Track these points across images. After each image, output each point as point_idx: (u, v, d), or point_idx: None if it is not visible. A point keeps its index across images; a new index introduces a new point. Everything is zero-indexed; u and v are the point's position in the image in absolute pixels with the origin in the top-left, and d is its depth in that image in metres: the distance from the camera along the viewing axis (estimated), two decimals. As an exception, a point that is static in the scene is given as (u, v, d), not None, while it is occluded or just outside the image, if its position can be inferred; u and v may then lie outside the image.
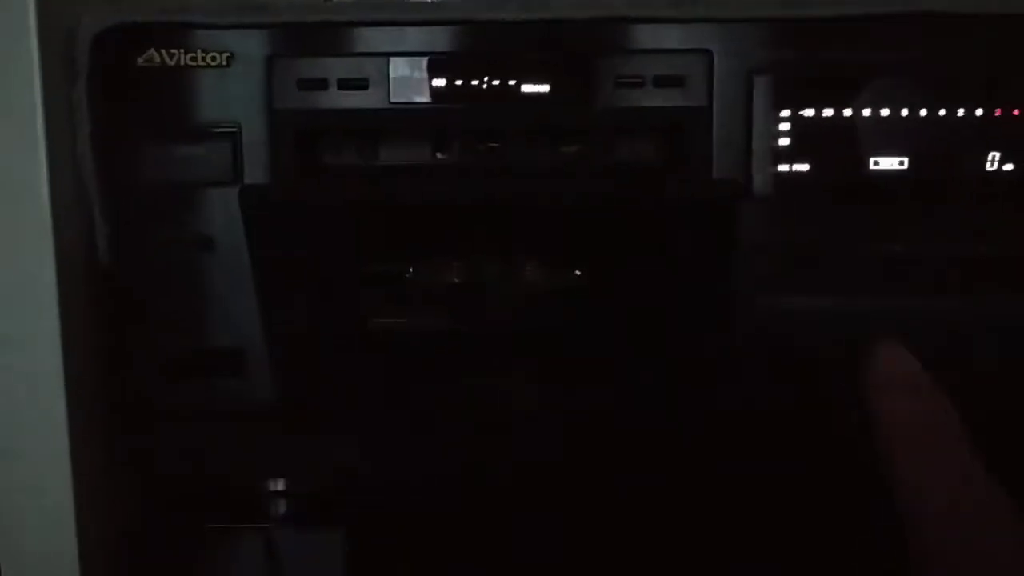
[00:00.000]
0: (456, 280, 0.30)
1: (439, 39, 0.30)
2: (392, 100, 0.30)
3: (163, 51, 0.30)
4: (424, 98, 0.30)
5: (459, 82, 0.31)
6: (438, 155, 0.31)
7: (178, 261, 0.31)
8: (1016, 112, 0.31)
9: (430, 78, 0.30)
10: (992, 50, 0.31)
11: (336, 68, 0.30)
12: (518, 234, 0.31)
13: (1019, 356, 0.31)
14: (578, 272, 0.31)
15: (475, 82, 0.31)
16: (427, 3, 0.30)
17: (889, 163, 0.31)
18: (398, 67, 0.30)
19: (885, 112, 0.31)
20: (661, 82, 0.30)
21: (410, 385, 0.31)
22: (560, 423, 0.31)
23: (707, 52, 0.30)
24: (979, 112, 0.31)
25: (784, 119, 0.31)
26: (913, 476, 0.26)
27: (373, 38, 0.30)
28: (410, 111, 0.30)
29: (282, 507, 0.36)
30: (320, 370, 0.31)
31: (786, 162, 0.31)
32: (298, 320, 0.31)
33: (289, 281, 0.31)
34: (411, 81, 0.30)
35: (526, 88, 0.31)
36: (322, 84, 0.30)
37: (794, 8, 0.30)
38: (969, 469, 0.25)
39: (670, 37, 0.30)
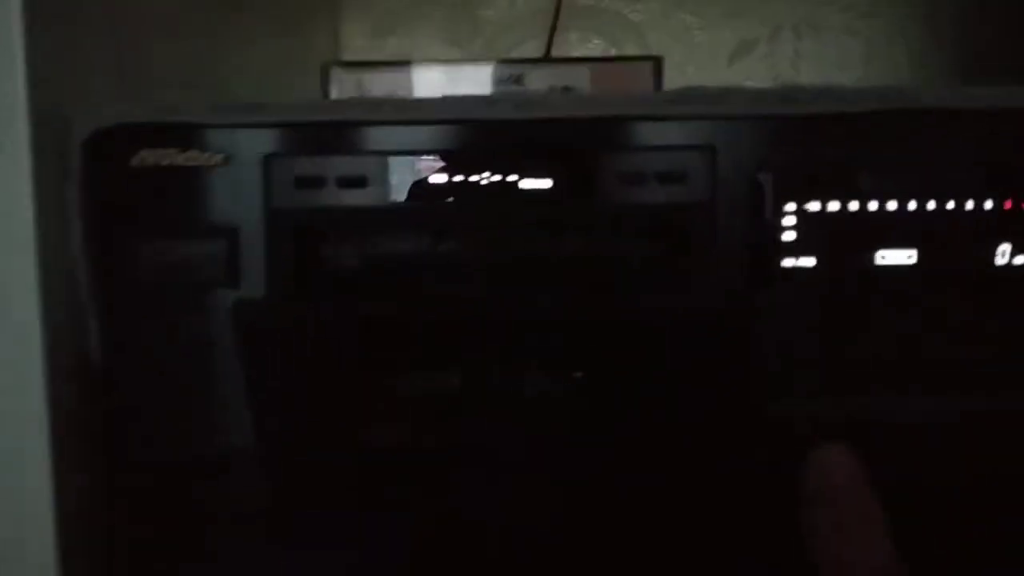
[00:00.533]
0: (454, 389, 0.29)
1: (439, 137, 0.30)
2: (391, 198, 0.30)
3: (158, 151, 0.29)
4: (424, 196, 0.30)
5: (458, 179, 0.30)
6: (439, 249, 0.31)
7: (171, 363, 0.30)
8: (1025, 204, 0.31)
9: (429, 176, 0.30)
10: (997, 143, 0.30)
11: (334, 166, 0.30)
12: (519, 339, 0.30)
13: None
14: (580, 375, 0.30)
15: (474, 179, 0.30)
16: (424, 101, 0.30)
17: (896, 257, 0.31)
18: (397, 165, 0.30)
19: (892, 206, 0.31)
20: (664, 179, 0.30)
21: (405, 498, 0.30)
22: (561, 534, 0.31)
23: (709, 148, 0.30)
24: (989, 205, 0.31)
25: (789, 214, 0.30)
26: None
27: (372, 136, 0.30)
28: (410, 209, 0.30)
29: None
30: (311, 482, 0.30)
31: (791, 257, 0.31)
32: (290, 430, 0.30)
33: (283, 391, 0.30)
34: (410, 179, 0.30)
35: (525, 185, 0.30)
36: (320, 182, 0.30)
37: (793, 105, 0.29)
38: None
39: (672, 134, 0.30)
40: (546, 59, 0.36)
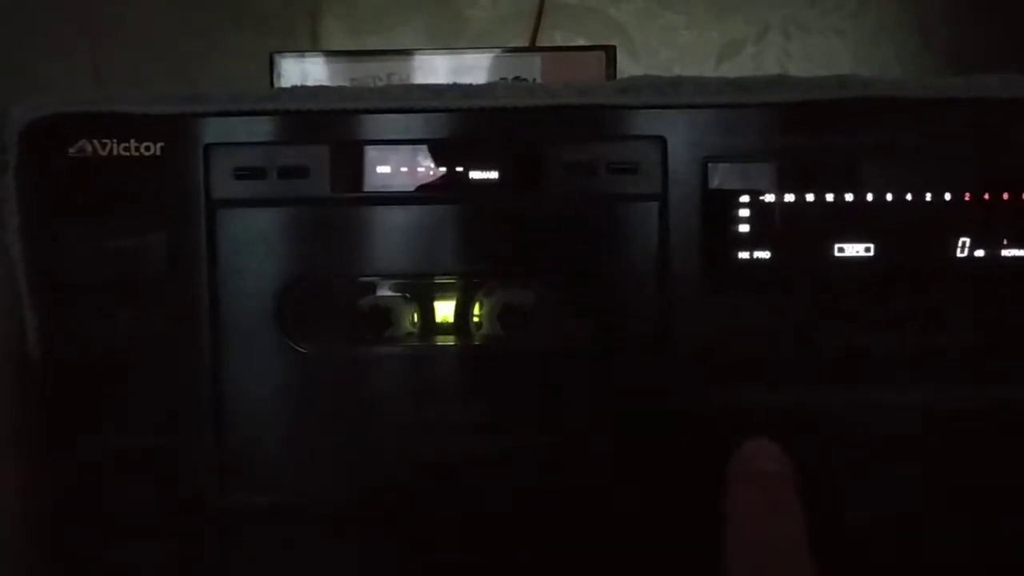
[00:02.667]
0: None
1: (382, 126, 0.29)
2: (332, 189, 0.29)
3: (95, 141, 0.29)
4: (367, 186, 0.29)
5: (404, 169, 0.30)
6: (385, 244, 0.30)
7: (109, 355, 0.29)
8: (987, 196, 0.30)
9: (373, 165, 0.29)
10: (956, 134, 0.30)
11: (275, 156, 0.29)
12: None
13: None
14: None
15: (420, 169, 0.30)
16: (367, 90, 0.29)
17: (854, 249, 0.30)
18: (339, 154, 0.29)
19: (849, 197, 0.30)
20: (614, 169, 0.29)
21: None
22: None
23: (660, 138, 0.29)
24: (948, 197, 0.30)
25: (742, 205, 0.30)
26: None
27: (313, 126, 0.29)
28: (352, 199, 0.29)
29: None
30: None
31: (745, 250, 0.30)
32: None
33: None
34: (353, 169, 0.29)
35: (475, 175, 0.30)
36: (261, 173, 0.29)
37: (745, 94, 0.29)
38: None
39: (623, 124, 0.29)
40: (493, 48, 0.36)
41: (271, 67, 0.34)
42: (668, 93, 0.29)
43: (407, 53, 0.35)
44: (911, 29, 0.81)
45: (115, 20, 0.41)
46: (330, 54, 0.35)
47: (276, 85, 0.38)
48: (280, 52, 0.34)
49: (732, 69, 0.80)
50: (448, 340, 0.31)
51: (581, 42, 0.80)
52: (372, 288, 0.31)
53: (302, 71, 0.36)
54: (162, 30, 0.46)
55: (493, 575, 0.31)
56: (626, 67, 0.81)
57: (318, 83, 0.35)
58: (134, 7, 0.46)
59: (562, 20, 0.79)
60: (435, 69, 0.36)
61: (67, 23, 0.36)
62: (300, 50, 0.35)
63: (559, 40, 0.80)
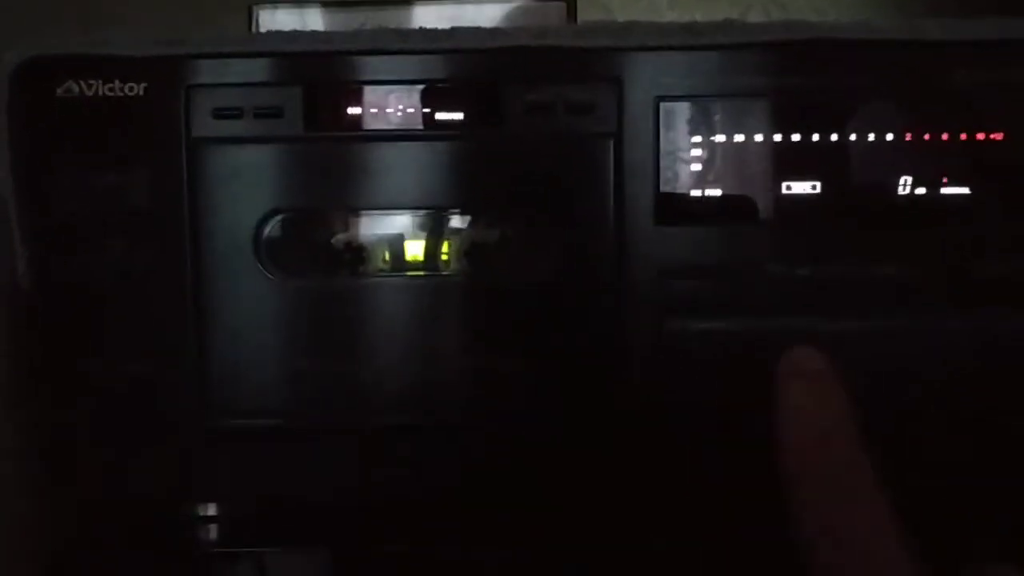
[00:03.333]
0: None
1: (352, 68, 0.31)
2: (305, 128, 0.31)
3: (81, 82, 0.30)
4: (338, 126, 0.31)
5: (373, 110, 0.31)
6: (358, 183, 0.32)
7: (98, 286, 0.31)
8: (927, 137, 0.32)
9: (344, 106, 0.31)
10: (899, 76, 0.31)
11: (251, 97, 0.31)
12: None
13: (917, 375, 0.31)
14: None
15: (389, 110, 0.31)
16: (339, 34, 0.31)
17: (801, 187, 0.32)
18: (311, 96, 0.31)
19: (796, 137, 0.32)
20: (571, 109, 0.31)
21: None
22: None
23: (616, 79, 0.31)
24: (890, 137, 0.32)
25: (695, 145, 0.31)
26: (806, 472, 0.26)
27: (288, 68, 0.31)
28: (322, 138, 0.31)
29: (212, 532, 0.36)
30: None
31: (697, 188, 0.31)
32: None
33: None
34: (325, 109, 0.31)
35: (440, 116, 0.31)
36: (238, 113, 0.31)
37: (698, 37, 0.30)
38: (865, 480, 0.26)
39: (580, 65, 0.31)
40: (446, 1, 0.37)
41: (249, 18, 0.36)
42: (622, 35, 0.30)
43: (372, 6, 0.37)
44: (890, 9, 0.83)
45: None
46: (323, 5, 0.37)
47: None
48: (259, 3, 0.36)
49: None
50: (417, 274, 0.33)
51: (567, 21, 0.82)
52: (346, 223, 0.33)
53: (300, 22, 0.37)
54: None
55: (465, 494, 0.32)
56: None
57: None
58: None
59: None
60: (396, 21, 0.37)
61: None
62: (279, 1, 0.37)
63: (544, 19, 0.81)
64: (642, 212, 0.31)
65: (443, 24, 0.32)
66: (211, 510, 0.36)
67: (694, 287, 0.31)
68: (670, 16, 0.83)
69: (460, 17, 0.37)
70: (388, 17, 0.35)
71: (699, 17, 0.90)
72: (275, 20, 0.36)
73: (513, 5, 0.37)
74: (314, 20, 0.36)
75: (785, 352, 0.29)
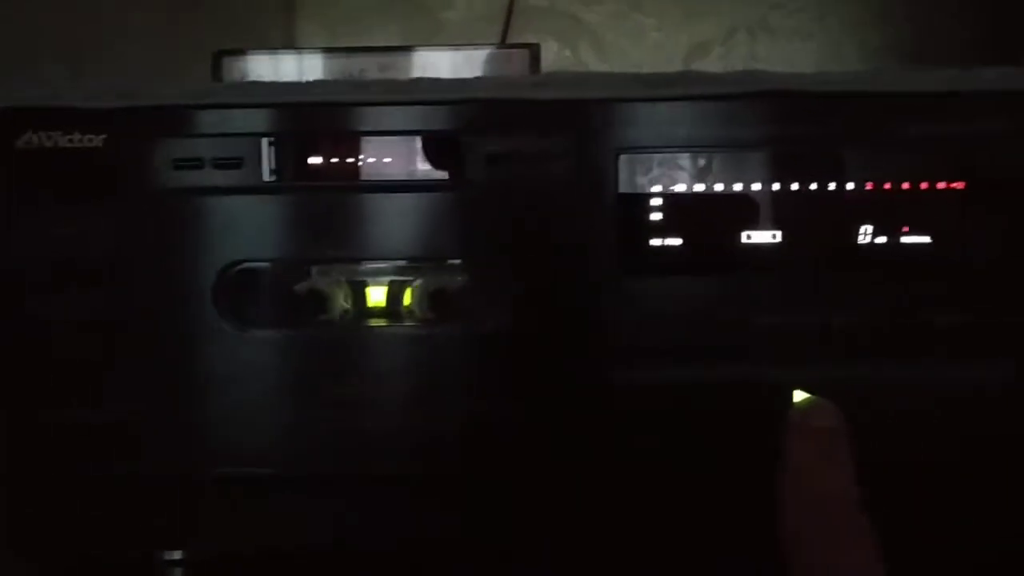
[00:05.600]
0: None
1: (311, 119, 0.31)
2: (264, 178, 0.31)
3: (41, 134, 0.30)
4: (297, 176, 0.31)
5: (334, 160, 0.31)
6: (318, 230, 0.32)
7: (57, 336, 0.31)
8: (887, 186, 0.32)
9: (304, 156, 0.31)
10: (858, 126, 0.31)
11: (211, 148, 0.31)
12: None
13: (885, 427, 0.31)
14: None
15: (350, 160, 0.31)
16: (296, 85, 0.31)
17: (761, 237, 0.32)
18: (270, 146, 0.31)
19: (756, 187, 0.32)
20: (528, 160, 0.31)
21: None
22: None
23: (573, 130, 0.31)
24: (851, 186, 0.32)
25: (654, 195, 0.31)
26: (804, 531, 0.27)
27: (247, 119, 0.31)
28: (282, 188, 0.31)
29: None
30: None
31: (656, 237, 0.32)
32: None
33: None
34: (283, 159, 0.31)
35: (401, 167, 0.31)
36: (198, 163, 0.31)
37: (651, 90, 0.30)
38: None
39: (540, 117, 0.31)
40: (411, 48, 0.37)
41: (215, 65, 0.36)
42: (578, 88, 0.30)
43: (336, 52, 0.37)
44: (875, 30, 0.83)
45: (95, 20, 0.43)
46: (294, 52, 0.37)
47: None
48: (228, 54, 0.36)
49: (700, 70, 0.82)
50: (380, 323, 0.33)
51: (551, 43, 0.82)
52: (307, 273, 0.33)
53: (242, 70, 0.37)
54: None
55: (420, 540, 0.33)
56: (594, 67, 0.83)
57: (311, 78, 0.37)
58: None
59: (532, 22, 0.81)
60: (361, 67, 0.37)
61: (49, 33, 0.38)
62: (246, 49, 0.37)
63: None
64: (602, 262, 0.31)
65: (419, 71, 0.32)
66: (176, 555, 0.36)
67: (653, 335, 0.31)
68: (656, 38, 0.83)
69: (340, 66, 0.37)
70: (353, 64, 0.36)
71: (684, 37, 0.90)
72: (248, 68, 0.36)
73: (478, 52, 0.38)
74: (311, 66, 0.37)
75: (798, 404, 0.30)
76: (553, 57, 0.82)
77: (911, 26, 0.83)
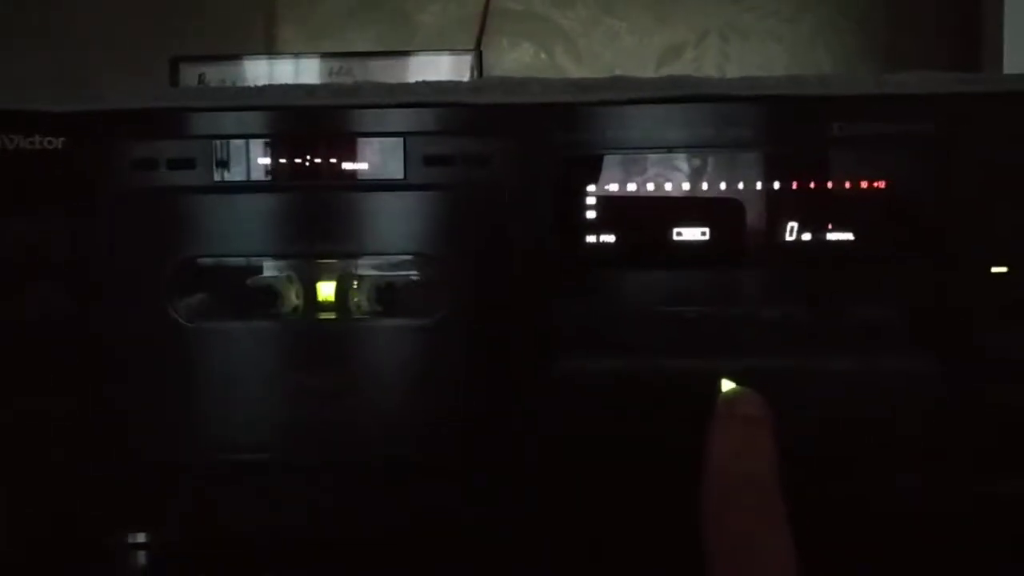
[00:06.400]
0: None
1: (261, 122, 0.33)
2: (215, 179, 0.32)
3: (3, 136, 0.32)
4: (246, 176, 0.33)
5: (282, 160, 0.33)
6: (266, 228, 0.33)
7: (17, 332, 0.33)
8: (813, 185, 0.33)
9: (253, 158, 0.33)
10: (783, 128, 0.33)
11: (165, 150, 0.32)
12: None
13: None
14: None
15: (297, 160, 0.33)
16: (246, 89, 0.32)
17: (691, 234, 0.33)
18: (220, 148, 0.32)
19: (686, 186, 0.33)
20: (469, 162, 0.32)
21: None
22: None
23: (512, 133, 0.32)
24: (776, 186, 0.33)
25: (589, 194, 0.33)
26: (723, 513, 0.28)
27: (198, 122, 0.32)
28: (232, 187, 0.33)
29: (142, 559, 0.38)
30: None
31: (592, 235, 0.33)
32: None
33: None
34: (234, 160, 0.32)
35: (346, 166, 0.33)
36: (153, 164, 0.32)
37: (586, 93, 0.32)
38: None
39: (478, 120, 0.33)
40: (367, 53, 0.39)
41: (172, 72, 0.38)
42: (517, 92, 0.32)
43: (286, 56, 0.39)
44: (847, 33, 0.85)
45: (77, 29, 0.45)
46: (227, 59, 0.39)
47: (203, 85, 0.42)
48: (183, 58, 0.38)
49: (673, 72, 0.83)
50: (329, 315, 0.34)
51: (527, 47, 0.84)
52: (259, 269, 0.34)
53: (197, 75, 0.39)
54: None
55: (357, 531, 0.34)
56: (570, 70, 0.84)
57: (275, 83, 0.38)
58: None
59: (507, 25, 0.82)
60: (313, 70, 0.39)
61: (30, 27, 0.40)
62: (203, 56, 0.38)
63: (505, 45, 0.83)
64: (537, 258, 0.33)
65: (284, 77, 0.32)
66: (140, 538, 0.37)
67: (590, 327, 0.33)
68: (629, 42, 0.85)
69: (294, 70, 0.38)
70: (308, 69, 0.37)
71: (656, 40, 0.91)
72: (210, 73, 0.38)
73: (422, 58, 0.39)
74: (291, 71, 0.38)
75: (725, 393, 0.31)
76: (529, 60, 0.83)
77: (884, 29, 0.85)
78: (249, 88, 0.32)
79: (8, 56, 0.40)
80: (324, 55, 0.39)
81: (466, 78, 0.43)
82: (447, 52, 0.41)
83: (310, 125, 0.33)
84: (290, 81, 0.40)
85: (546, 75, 0.81)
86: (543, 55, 0.83)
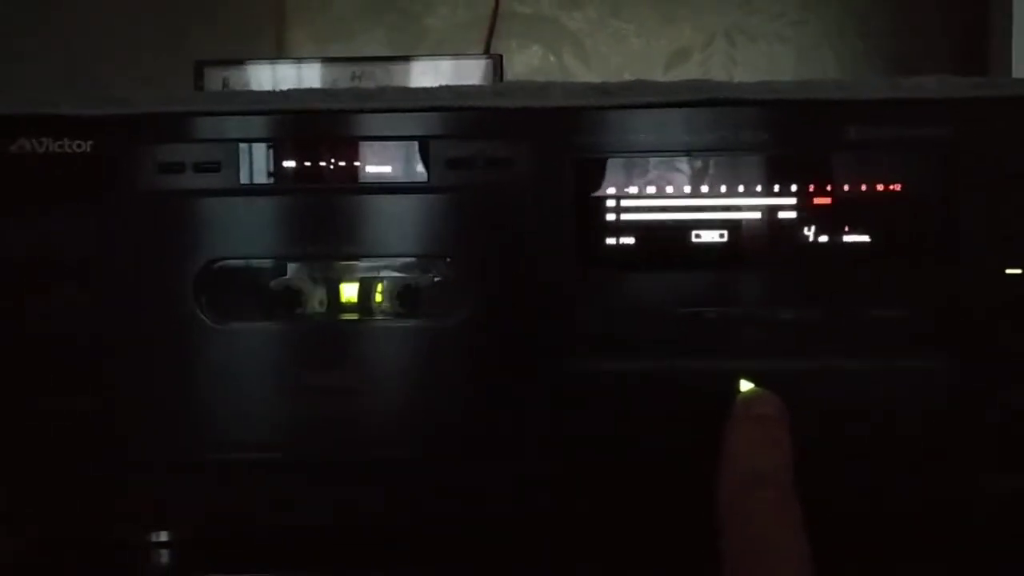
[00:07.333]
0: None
1: (285, 126, 0.33)
2: (241, 181, 0.33)
3: (33, 140, 0.33)
4: (270, 179, 0.33)
5: (307, 164, 0.33)
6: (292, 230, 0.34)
7: (45, 328, 0.33)
8: (829, 188, 0.34)
9: (278, 161, 0.33)
10: (799, 133, 0.33)
11: (192, 153, 0.33)
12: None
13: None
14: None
15: (322, 163, 0.33)
16: (271, 94, 0.33)
17: (709, 236, 0.34)
18: (246, 151, 0.33)
19: (704, 188, 0.34)
20: (491, 164, 0.33)
21: None
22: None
23: (533, 136, 0.33)
24: (793, 188, 0.34)
25: (609, 197, 0.33)
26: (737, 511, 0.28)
27: (225, 126, 0.33)
28: (257, 190, 0.33)
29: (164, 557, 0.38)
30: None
31: (612, 237, 0.34)
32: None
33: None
34: (259, 163, 0.33)
35: (370, 169, 0.33)
36: (179, 167, 0.33)
37: (605, 98, 0.32)
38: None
39: (501, 123, 0.33)
40: (386, 58, 0.40)
41: (196, 76, 0.38)
42: (539, 96, 0.32)
43: (309, 61, 0.39)
44: (853, 35, 0.85)
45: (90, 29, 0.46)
46: (252, 62, 0.39)
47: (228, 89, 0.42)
48: (207, 63, 0.38)
49: (680, 75, 0.84)
50: (352, 316, 0.35)
51: (535, 49, 0.84)
52: (283, 270, 0.35)
53: (223, 78, 0.40)
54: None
55: (391, 529, 0.35)
56: (578, 73, 0.85)
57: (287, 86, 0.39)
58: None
59: (516, 28, 0.83)
60: (335, 75, 0.39)
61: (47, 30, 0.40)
62: (227, 60, 0.39)
63: (514, 48, 0.84)
64: (561, 260, 0.33)
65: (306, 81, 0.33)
66: (162, 536, 0.38)
67: (610, 327, 0.33)
68: (636, 44, 0.85)
69: (316, 75, 0.39)
70: (326, 73, 0.38)
71: (664, 43, 0.92)
72: (231, 77, 0.38)
73: (446, 61, 0.40)
74: (309, 75, 0.39)
75: (743, 394, 0.31)
76: (538, 63, 0.84)
77: (890, 32, 0.85)
78: (274, 92, 0.33)
79: (21, 59, 0.40)
80: (345, 59, 0.40)
81: (479, 82, 0.44)
82: (464, 56, 0.42)
83: (334, 129, 0.33)
84: (315, 85, 0.40)
85: (555, 78, 0.82)
86: (552, 57, 0.84)
